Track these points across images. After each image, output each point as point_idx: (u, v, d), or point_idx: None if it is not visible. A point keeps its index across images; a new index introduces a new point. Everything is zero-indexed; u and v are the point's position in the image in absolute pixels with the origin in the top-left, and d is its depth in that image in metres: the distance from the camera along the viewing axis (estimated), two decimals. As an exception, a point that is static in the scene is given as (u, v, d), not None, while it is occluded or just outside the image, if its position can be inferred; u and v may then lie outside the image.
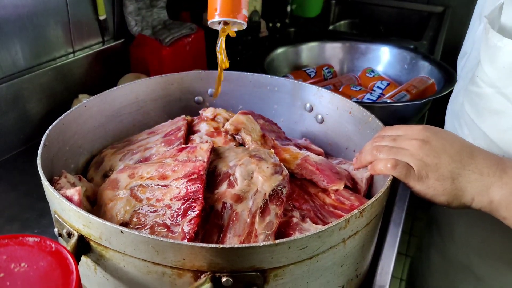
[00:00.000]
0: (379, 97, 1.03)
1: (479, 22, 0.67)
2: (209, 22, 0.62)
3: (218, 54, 0.64)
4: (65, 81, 0.95)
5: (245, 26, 0.63)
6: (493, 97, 0.57)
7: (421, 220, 2.11)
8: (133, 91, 0.71)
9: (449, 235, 0.76)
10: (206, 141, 0.61)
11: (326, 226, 0.41)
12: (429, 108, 1.02)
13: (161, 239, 0.39)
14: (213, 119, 0.68)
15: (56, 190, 0.46)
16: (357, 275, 0.51)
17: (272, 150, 0.58)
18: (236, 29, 0.63)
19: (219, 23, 0.62)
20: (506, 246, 0.66)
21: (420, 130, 0.52)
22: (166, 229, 0.46)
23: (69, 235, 0.45)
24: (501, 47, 0.54)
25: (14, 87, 0.84)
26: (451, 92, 0.75)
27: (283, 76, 1.02)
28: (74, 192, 0.47)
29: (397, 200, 0.70)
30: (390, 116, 0.88)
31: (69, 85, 0.96)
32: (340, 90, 1.08)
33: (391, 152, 0.52)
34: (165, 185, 0.50)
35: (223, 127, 0.65)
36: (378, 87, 1.08)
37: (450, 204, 0.50)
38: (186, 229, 0.45)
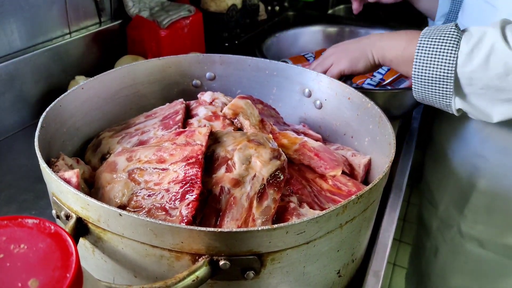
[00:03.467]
0: (379, 82, 1.02)
1: None
2: None
3: None
4: (61, 62, 0.94)
5: None
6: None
7: (415, 206, 2.13)
8: (130, 74, 0.70)
9: (439, 198, 0.94)
10: (204, 125, 0.61)
11: (324, 212, 0.41)
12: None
13: (160, 222, 0.39)
14: (211, 103, 0.67)
15: (54, 172, 0.45)
16: (353, 260, 0.52)
17: (271, 135, 0.58)
18: None
19: None
20: (480, 207, 0.83)
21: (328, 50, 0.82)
22: (164, 213, 0.46)
23: (67, 217, 0.45)
24: None
25: (10, 68, 0.83)
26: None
27: (282, 61, 1.01)
28: (72, 174, 0.47)
29: (394, 187, 0.70)
30: (389, 102, 0.87)
31: (65, 66, 0.95)
32: (339, 76, 1.08)
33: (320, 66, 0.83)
34: (163, 169, 0.50)
35: (221, 111, 0.65)
36: (378, 72, 1.07)
37: (366, 69, 0.77)
38: (184, 212, 0.45)
